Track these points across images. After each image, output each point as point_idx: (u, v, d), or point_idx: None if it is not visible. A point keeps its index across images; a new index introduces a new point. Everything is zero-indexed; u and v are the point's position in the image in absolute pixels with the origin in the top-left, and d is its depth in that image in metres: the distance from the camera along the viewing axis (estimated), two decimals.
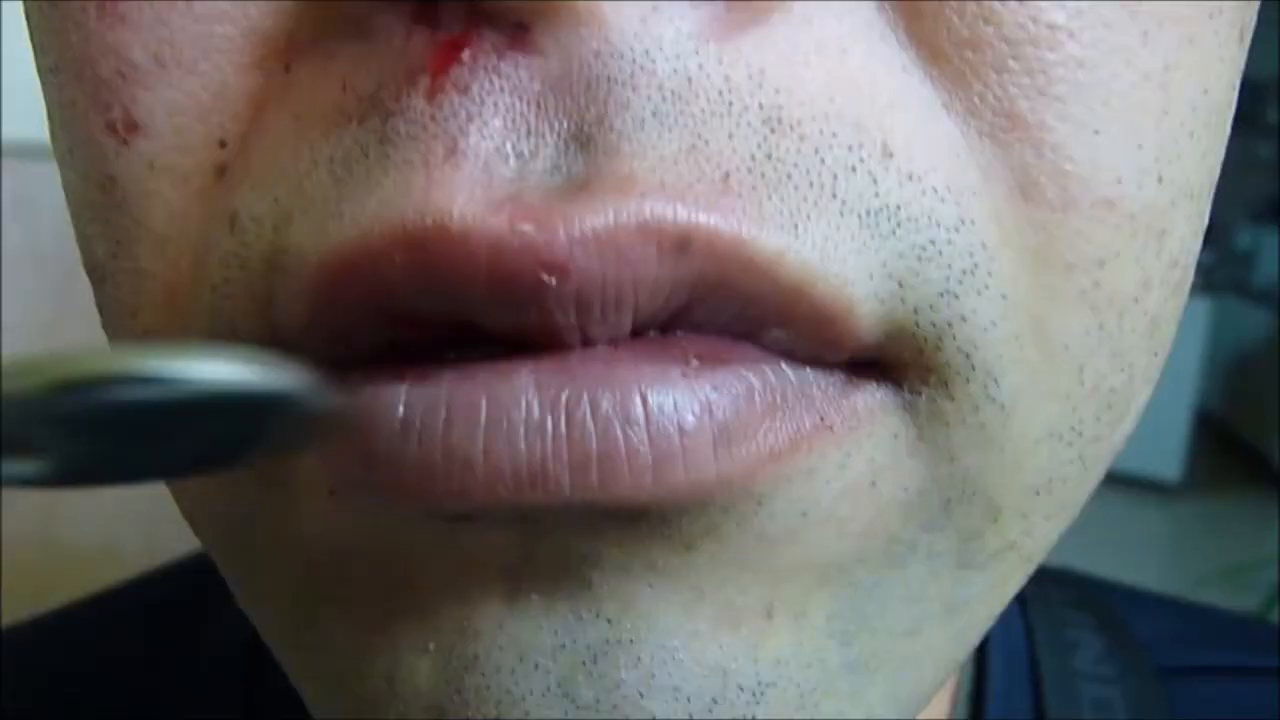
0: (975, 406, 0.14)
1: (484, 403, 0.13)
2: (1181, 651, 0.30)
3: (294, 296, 0.14)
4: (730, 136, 0.13)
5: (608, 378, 0.13)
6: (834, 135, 0.13)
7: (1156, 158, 0.15)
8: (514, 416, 0.13)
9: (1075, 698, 0.28)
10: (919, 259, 0.14)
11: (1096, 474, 0.17)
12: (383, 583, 0.15)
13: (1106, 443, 0.16)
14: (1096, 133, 0.14)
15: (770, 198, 0.13)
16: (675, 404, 0.13)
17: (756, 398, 0.14)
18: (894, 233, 0.14)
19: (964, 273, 0.14)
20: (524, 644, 0.14)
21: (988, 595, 0.16)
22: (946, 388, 0.14)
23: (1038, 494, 0.16)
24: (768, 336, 0.14)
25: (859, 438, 0.14)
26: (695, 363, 0.14)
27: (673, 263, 0.13)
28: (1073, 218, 0.14)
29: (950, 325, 0.14)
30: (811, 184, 0.13)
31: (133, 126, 0.15)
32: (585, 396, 0.13)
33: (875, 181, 0.13)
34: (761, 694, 0.15)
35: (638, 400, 0.13)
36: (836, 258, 0.13)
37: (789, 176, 0.13)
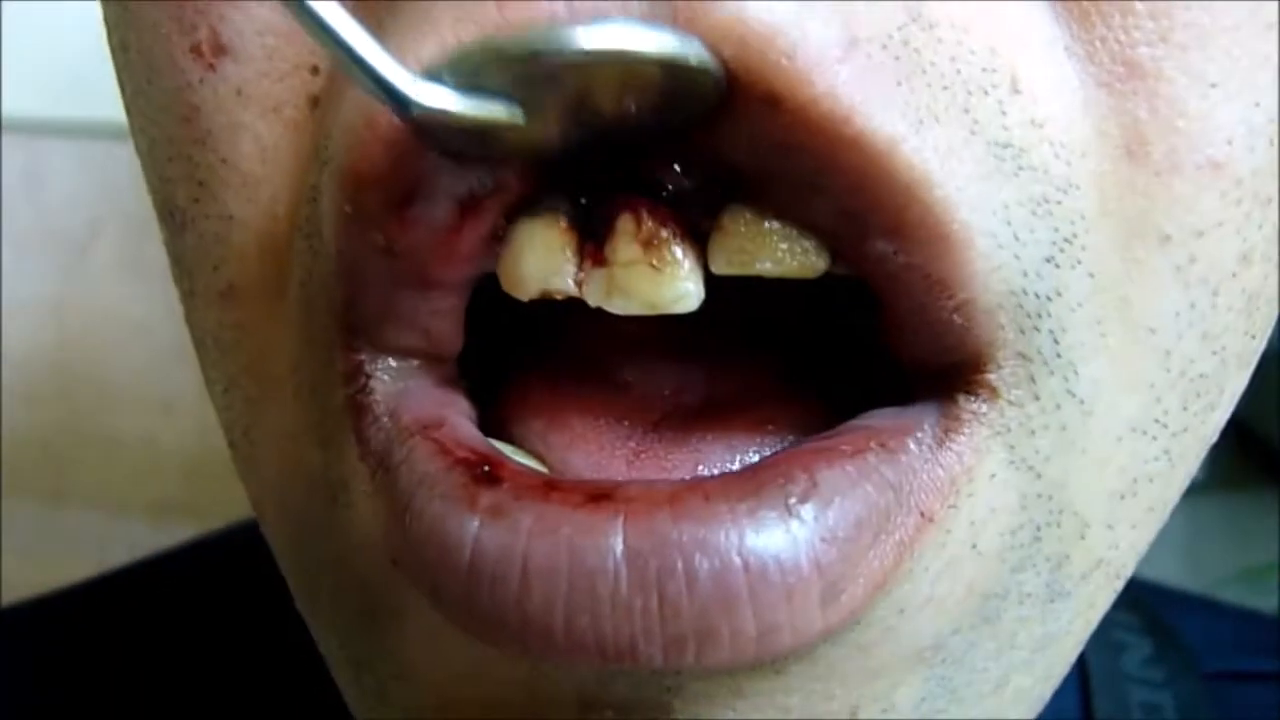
0: (1056, 404, 0.13)
1: (566, 566, 0.12)
2: (1230, 657, 0.29)
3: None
4: (868, 2, 0.12)
5: (703, 531, 0.12)
6: (971, 52, 0.12)
7: (1271, 118, 0.13)
8: (600, 590, 0.11)
9: (1124, 700, 0.27)
10: (1033, 213, 0.13)
11: (1186, 472, 0.16)
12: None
13: (1196, 435, 0.15)
14: (1214, 86, 0.13)
15: (901, 83, 0.12)
16: (780, 563, 0.12)
17: (862, 526, 0.12)
18: (1016, 174, 0.12)
19: (1065, 240, 0.13)
20: None
21: (1075, 623, 0.15)
22: (1033, 383, 0.13)
23: (1122, 498, 0.15)
24: (874, 250, 0.13)
25: (957, 511, 0.13)
26: (795, 498, 0.12)
27: (759, 116, 0.12)
28: (1176, 182, 0.13)
29: (1049, 300, 0.13)
30: (946, 87, 0.12)
31: (219, 49, 0.13)
32: (680, 565, 0.11)
33: (1004, 114, 0.12)
34: None
35: (738, 563, 0.12)
36: (960, 174, 0.12)
37: (923, 71, 0.12)
